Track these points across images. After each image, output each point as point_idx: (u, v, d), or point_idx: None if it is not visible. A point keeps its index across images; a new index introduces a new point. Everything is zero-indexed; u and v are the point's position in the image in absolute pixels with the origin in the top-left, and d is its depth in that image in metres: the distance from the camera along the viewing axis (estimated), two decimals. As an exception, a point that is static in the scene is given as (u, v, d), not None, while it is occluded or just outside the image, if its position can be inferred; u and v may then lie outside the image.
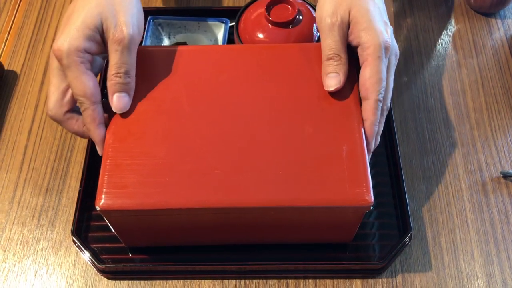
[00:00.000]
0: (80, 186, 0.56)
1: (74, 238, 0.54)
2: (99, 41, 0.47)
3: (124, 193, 0.44)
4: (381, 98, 0.47)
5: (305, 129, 0.47)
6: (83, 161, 0.59)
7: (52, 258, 0.55)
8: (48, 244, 0.56)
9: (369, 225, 0.56)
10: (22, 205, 0.58)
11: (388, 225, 0.56)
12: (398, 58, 0.49)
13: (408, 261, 0.54)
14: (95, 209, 0.44)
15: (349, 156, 0.45)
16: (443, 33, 0.72)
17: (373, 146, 0.48)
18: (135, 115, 0.48)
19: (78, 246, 0.54)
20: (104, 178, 0.44)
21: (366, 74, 0.47)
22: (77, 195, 0.56)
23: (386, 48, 0.47)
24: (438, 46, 0.70)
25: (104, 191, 0.44)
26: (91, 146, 0.58)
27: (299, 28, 0.59)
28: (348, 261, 0.53)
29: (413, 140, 0.62)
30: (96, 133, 0.47)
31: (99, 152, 0.47)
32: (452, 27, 0.72)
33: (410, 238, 0.54)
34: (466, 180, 0.59)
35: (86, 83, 0.46)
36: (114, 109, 0.47)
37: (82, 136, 0.49)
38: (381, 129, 0.48)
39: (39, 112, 0.65)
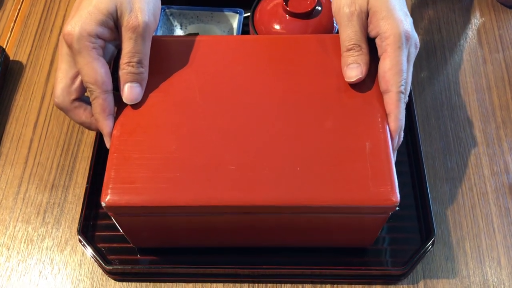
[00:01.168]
0: (87, 183, 0.54)
1: (80, 237, 0.52)
2: (112, 27, 0.44)
3: (132, 188, 0.41)
4: (403, 90, 0.44)
5: (325, 123, 0.44)
6: (90, 156, 0.57)
7: (58, 257, 0.53)
8: (53, 243, 0.53)
9: (389, 228, 0.53)
10: (27, 202, 0.56)
11: (410, 229, 0.53)
12: (418, 49, 0.47)
13: (430, 267, 0.52)
14: (102, 207, 0.42)
15: (372, 153, 0.42)
16: (468, 26, 0.68)
17: (397, 142, 0.45)
18: (146, 107, 0.45)
19: (84, 246, 0.52)
20: (110, 172, 0.42)
21: (386, 65, 0.44)
22: (83, 192, 0.54)
23: (407, 38, 0.44)
24: (462, 41, 0.67)
25: (110, 186, 0.41)
26: (99, 140, 0.56)
27: (318, 20, 0.56)
28: (367, 267, 0.51)
29: (436, 139, 0.59)
30: (105, 124, 0.44)
31: (107, 144, 0.45)
32: (477, 21, 0.69)
33: (433, 243, 0.51)
34: (492, 182, 0.56)
35: (97, 69, 0.43)
36: (125, 100, 0.44)
37: (89, 127, 0.47)
38: (403, 124, 0.45)
39: (46, 104, 0.62)
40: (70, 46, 0.43)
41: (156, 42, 0.48)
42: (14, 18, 0.70)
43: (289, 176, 0.42)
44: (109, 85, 0.44)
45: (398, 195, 0.41)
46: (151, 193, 0.41)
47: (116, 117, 0.45)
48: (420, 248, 0.51)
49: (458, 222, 0.54)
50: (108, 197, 0.41)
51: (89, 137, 0.60)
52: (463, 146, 0.59)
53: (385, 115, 0.44)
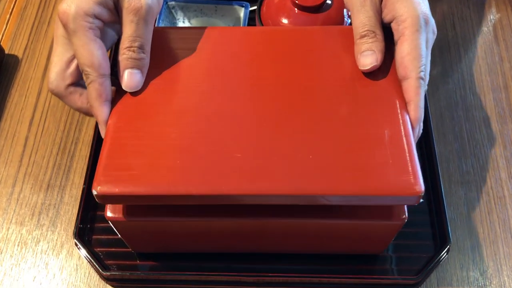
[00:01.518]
0: (84, 184, 0.52)
1: (76, 241, 0.49)
2: (112, 8, 0.42)
3: (127, 176, 0.37)
4: (423, 76, 0.41)
5: (339, 112, 0.41)
6: (88, 155, 0.54)
7: (53, 261, 0.50)
8: (48, 246, 0.51)
9: (401, 234, 0.50)
10: (21, 202, 0.53)
11: (423, 235, 0.50)
12: (435, 36, 0.44)
13: (445, 275, 0.49)
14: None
15: (392, 140, 0.39)
16: (483, 22, 0.66)
17: (417, 134, 0.42)
18: (146, 94, 0.42)
19: (80, 250, 0.49)
20: (104, 159, 0.38)
21: (404, 50, 0.41)
22: (80, 193, 0.52)
23: (425, 21, 0.42)
24: (477, 37, 0.64)
25: (103, 173, 0.37)
26: (97, 139, 0.54)
27: (327, 14, 0.53)
28: (378, 275, 0.48)
29: (450, 140, 0.57)
30: (100, 111, 0.41)
31: (102, 133, 0.42)
32: (492, 16, 0.66)
33: (448, 251, 0.48)
34: (509, 186, 0.54)
35: (93, 51, 0.40)
36: (124, 87, 0.42)
37: (86, 113, 0.44)
38: (423, 114, 0.42)
39: (42, 100, 0.60)
40: (65, 26, 0.41)
41: (159, 32, 0.45)
42: (10, 10, 0.67)
43: (300, 164, 0.38)
44: (106, 69, 0.41)
45: (423, 185, 0.37)
46: (149, 181, 0.37)
47: (113, 105, 0.42)
48: (435, 256, 0.48)
49: (474, 228, 0.52)
50: (101, 184, 0.37)
51: (87, 135, 0.57)
52: (479, 148, 0.56)
53: (404, 103, 0.41)
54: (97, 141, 0.53)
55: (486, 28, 0.65)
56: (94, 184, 0.37)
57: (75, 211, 0.52)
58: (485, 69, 0.62)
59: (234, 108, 0.41)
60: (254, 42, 0.45)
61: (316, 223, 0.41)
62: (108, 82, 0.41)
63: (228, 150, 0.39)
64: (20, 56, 0.63)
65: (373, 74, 0.42)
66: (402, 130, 0.39)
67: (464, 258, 0.50)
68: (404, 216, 0.41)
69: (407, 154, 0.38)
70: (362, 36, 0.43)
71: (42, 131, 0.58)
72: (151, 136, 0.39)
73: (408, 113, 0.40)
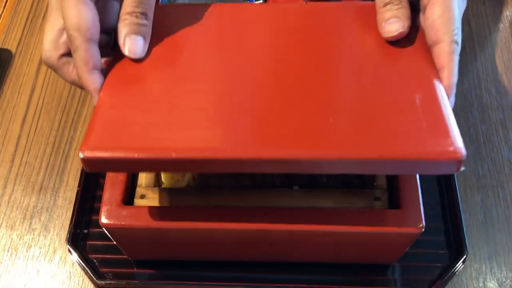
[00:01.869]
0: (79, 186, 0.49)
1: (69, 247, 0.46)
2: None
3: (120, 139, 0.33)
4: (457, 40, 0.38)
5: (363, 78, 0.36)
6: (83, 156, 0.52)
7: (45, 268, 0.48)
8: (40, 252, 0.48)
9: (414, 242, 0.47)
10: (12, 205, 0.51)
11: (437, 243, 0.48)
12: (466, 6, 0.41)
13: (460, 286, 0.47)
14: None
15: (424, 104, 0.34)
16: (499, 19, 0.63)
17: (451, 104, 0.38)
18: (147, 62, 0.38)
19: (74, 256, 0.46)
20: (95, 121, 0.34)
21: (436, 12, 0.38)
22: (75, 195, 0.49)
23: None
24: (493, 35, 0.62)
25: (93, 133, 0.33)
26: None
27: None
28: (390, 286, 0.46)
29: (465, 143, 0.52)
30: (89, 79, 0.37)
31: (94, 102, 0.38)
32: (509, 13, 0.64)
33: (464, 261, 0.46)
34: (528, 192, 0.51)
35: (81, 13, 0.37)
36: (128, 53, 0.38)
37: (81, 87, 0.40)
38: (456, 82, 0.38)
39: (35, 97, 0.57)
40: None
41: (160, 10, 0.41)
42: (4, 3, 0.65)
43: (319, 128, 0.33)
44: (94, 34, 0.37)
45: (464, 149, 0.32)
46: (144, 145, 0.33)
47: (108, 73, 0.38)
48: (450, 266, 0.46)
49: (491, 236, 0.49)
50: (89, 148, 0.32)
51: (83, 134, 0.55)
52: (496, 151, 0.53)
53: (435, 70, 0.37)
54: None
55: (502, 25, 0.62)
56: (82, 147, 0.32)
57: (69, 214, 0.49)
58: (502, 68, 0.59)
59: (245, 74, 0.37)
60: (263, 17, 0.42)
61: (327, 231, 0.39)
62: (95, 48, 0.38)
63: (237, 114, 0.34)
64: (13, 50, 0.61)
65: (398, 43, 0.39)
66: (436, 94, 0.35)
67: (481, 268, 0.47)
68: (421, 225, 0.38)
69: (444, 117, 0.33)
70: (386, 4, 0.39)
71: (35, 129, 0.55)
72: (150, 100, 0.36)
73: (440, 80, 0.36)
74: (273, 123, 0.34)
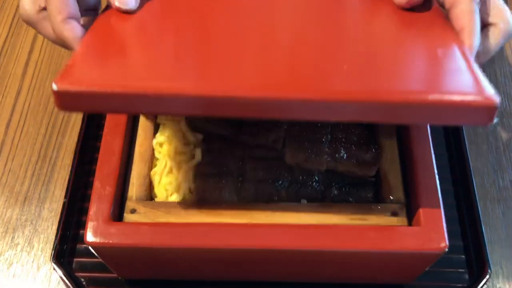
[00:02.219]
0: (65, 197, 0.46)
1: (54, 265, 0.42)
2: None
3: (98, 74, 0.30)
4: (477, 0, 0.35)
5: (381, 35, 0.35)
6: (71, 164, 0.48)
7: (27, 287, 0.44)
8: (22, 270, 0.45)
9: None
10: (-7, 218, 0.47)
11: (456, 261, 0.44)
12: None
13: (482, 307, 0.43)
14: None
15: (445, 56, 0.32)
16: (517, 19, 0.59)
17: None
18: (137, 16, 0.35)
19: (59, 275, 0.42)
20: (76, 57, 0.31)
21: None
22: (61, 207, 0.46)
23: None
24: (511, 35, 0.58)
25: (70, 69, 0.30)
26: (81, 146, 0.48)
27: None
28: (407, 309, 0.42)
29: (484, 152, 0.50)
30: (64, 29, 0.35)
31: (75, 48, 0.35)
32: (527, 13, 0.60)
33: (487, 281, 0.42)
34: (553, 205, 0.47)
35: None
36: (117, 4, 0.35)
37: (62, 45, 0.37)
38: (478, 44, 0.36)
39: (21, 100, 0.54)
40: None
41: None
42: (-10, 0, 0.61)
43: (331, 72, 0.31)
44: None
45: (497, 97, 0.29)
46: (128, 79, 0.30)
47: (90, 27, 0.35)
48: (472, 287, 0.42)
49: (514, 254, 0.45)
50: (64, 79, 0.29)
51: (71, 141, 0.51)
52: (517, 160, 0.50)
53: (454, 32, 0.34)
54: (81, 149, 0.48)
55: (521, 26, 0.59)
56: (56, 79, 0.29)
57: (55, 228, 0.46)
58: (521, 70, 0.56)
59: (246, 22, 0.35)
60: None
61: (340, 251, 0.35)
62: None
63: (238, 54, 0.32)
64: (-2, 50, 0.58)
65: (413, 9, 0.36)
66: (457, 48, 0.32)
67: (505, 287, 0.44)
68: (444, 244, 0.34)
69: (471, 67, 0.30)
70: None
71: (21, 135, 0.52)
72: (138, 41, 0.34)
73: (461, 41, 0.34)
74: (284, 65, 0.31)
